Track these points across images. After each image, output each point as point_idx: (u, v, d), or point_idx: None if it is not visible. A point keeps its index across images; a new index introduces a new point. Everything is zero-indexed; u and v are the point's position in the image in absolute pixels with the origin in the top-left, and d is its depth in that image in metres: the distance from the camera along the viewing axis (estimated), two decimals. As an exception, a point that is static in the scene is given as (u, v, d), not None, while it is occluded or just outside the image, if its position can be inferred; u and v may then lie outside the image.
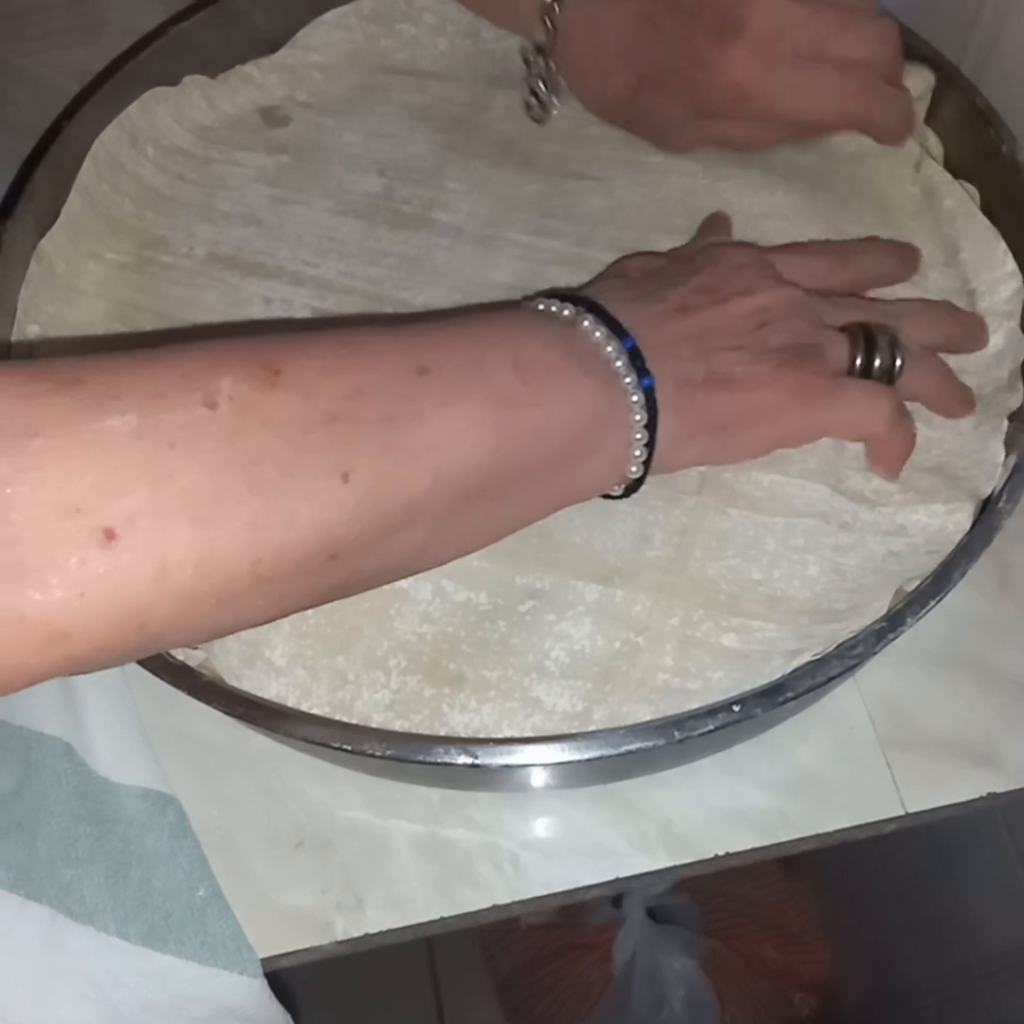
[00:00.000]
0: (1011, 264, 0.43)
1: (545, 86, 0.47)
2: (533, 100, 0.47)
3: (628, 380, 0.34)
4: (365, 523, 0.29)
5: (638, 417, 0.34)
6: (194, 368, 0.27)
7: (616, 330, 0.34)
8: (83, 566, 0.24)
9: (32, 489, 0.24)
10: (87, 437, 0.25)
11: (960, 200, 0.45)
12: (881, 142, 0.45)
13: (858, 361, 0.38)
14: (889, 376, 0.38)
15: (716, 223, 0.44)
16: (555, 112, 0.48)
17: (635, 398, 0.34)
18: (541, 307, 0.35)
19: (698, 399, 0.35)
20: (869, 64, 0.43)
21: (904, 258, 0.43)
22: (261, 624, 0.30)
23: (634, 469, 0.35)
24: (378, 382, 0.29)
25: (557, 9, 0.44)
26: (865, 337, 0.38)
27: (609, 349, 0.34)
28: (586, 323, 0.34)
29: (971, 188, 0.45)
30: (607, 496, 0.37)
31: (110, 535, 0.25)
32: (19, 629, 0.24)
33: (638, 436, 0.34)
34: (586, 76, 0.46)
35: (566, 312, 0.35)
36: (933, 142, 0.47)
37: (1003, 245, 0.43)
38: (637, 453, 0.35)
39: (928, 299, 0.42)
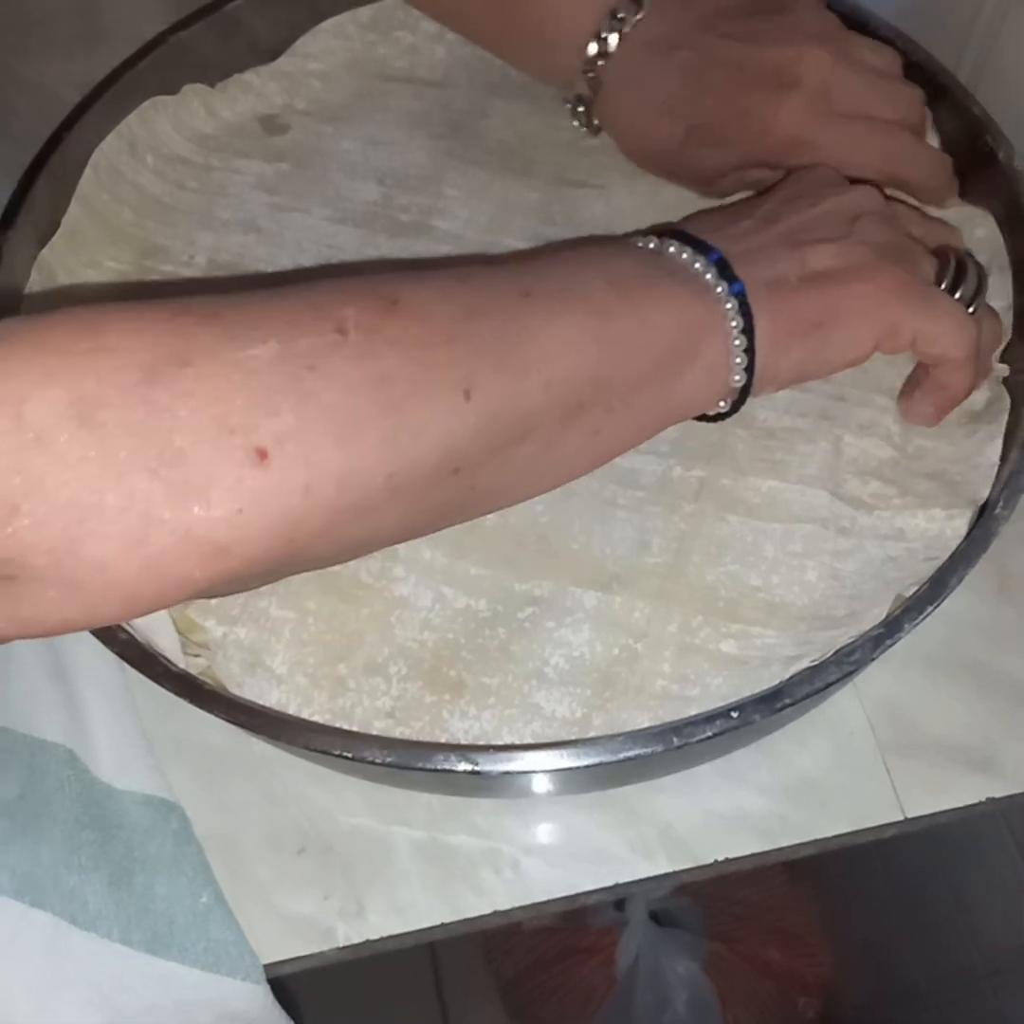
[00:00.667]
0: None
1: (589, 126, 0.47)
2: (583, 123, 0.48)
3: (719, 289, 0.35)
4: (486, 437, 0.30)
5: (734, 323, 0.35)
6: (321, 301, 0.29)
7: (702, 248, 0.36)
8: (240, 483, 0.26)
9: (191, 413, 0.25)
10: (234, 364, 0.26)
11: (990, 230, 0.45)
12: (924, 202, 0.45)
13: (944, 283, 0.38)
14: (974, 294, 0.38)
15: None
16: None
17: (729, 305, 0.35)
18: (627, 241, 0.37)
19: (793, 298, 0.36)
20: (901, 122, 0.44)
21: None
22: (394, 543, 0.33)
23: (736, 377, 0.36)
24: (488, 305, 0.31)
25: (601, 64, 0.44)
26: (957, 261, 0.38)
27: (697, 265, 0.35)
28: (672, 247, 0.36)
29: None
30: (713, 418, 0.38)
31: (262, 454, 0.26)
32: (186, 543, 0.26)
33: (736, 342, 0.35)
34: (630, 128, 0.46)
35: (652, 243, 0.36)
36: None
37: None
38: (737, 360, 0.35)
39: None
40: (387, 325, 0.29)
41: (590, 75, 0.44)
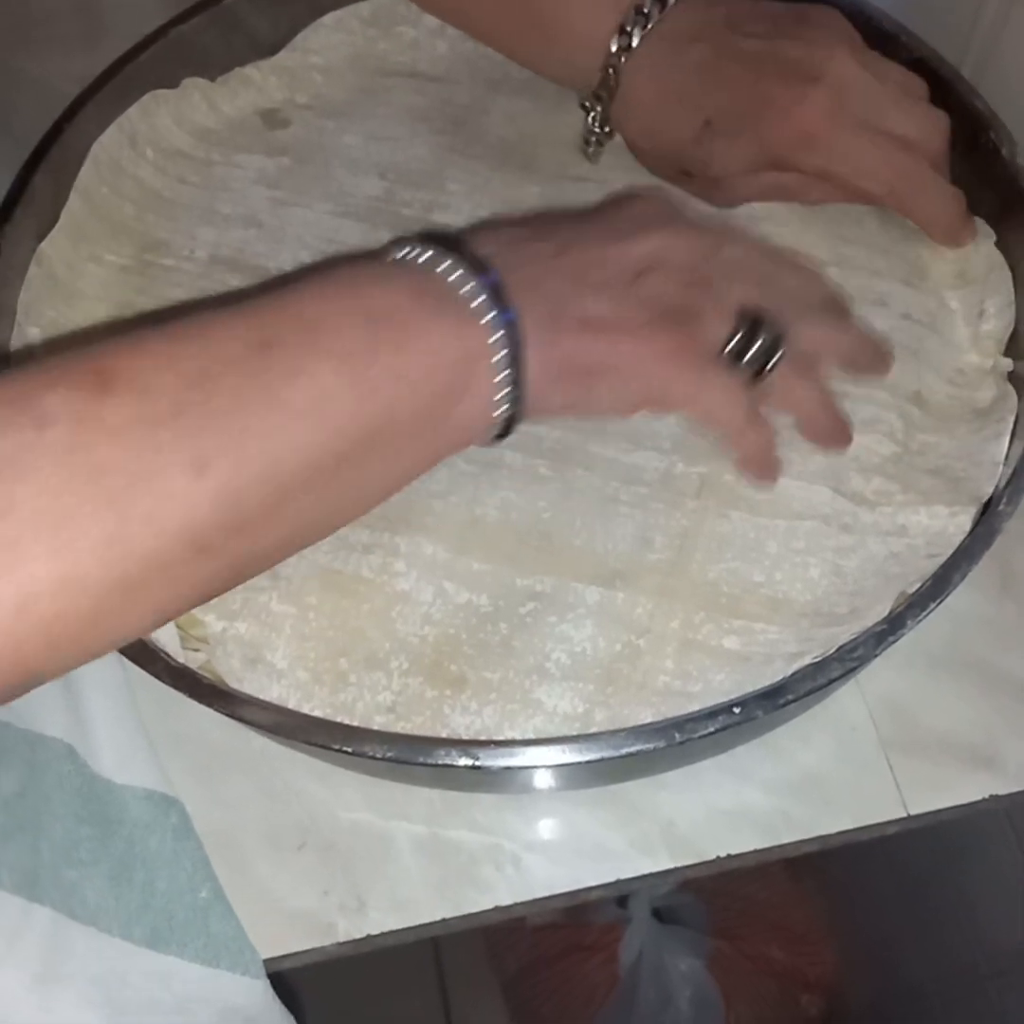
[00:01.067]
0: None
1: (602, 129, 0.46)
2: (591, 142, 0.47)
3: (489, 317, 0.32)
4: (230, 510, 0.28)
5: (500, 355, 0.32)
6: (20, 391, 0.26)
7: (479, 267, 0.33)
8: None
9: None
10: None
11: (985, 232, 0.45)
12: (932, 237, 0.44)
13: (733, 343, 0.35)
14: (758, 370, 0.36)
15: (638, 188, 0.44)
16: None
17: (496, 336, 0.32)
18: (399, 254, 0.34)
19: (565, 338, 0.33)
20: (920, 145, 0.43)
21: (863, 350, 0.40)
22: (150, 632, 0.30)
23: (504, 408, 0.33)
24: (220, 365, 0.28)
25: (622, 59, 0.43)
26: (751, 322, 0.35)
27: (469, 287, 0.32)
28: (446, 263, 0.33)
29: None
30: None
31: None
32: None
33: (502, 375, 0.33)
34: (646, 123, 0.45)
35: (427, 255, 0.33)
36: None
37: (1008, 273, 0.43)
38: (504, 392, 0.33)
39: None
40: (100, 407, 0.26)
41: (610, 70, 0.44)
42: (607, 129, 0.46)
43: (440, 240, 0.34)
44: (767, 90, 0.42)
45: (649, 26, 0.43)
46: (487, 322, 0.32)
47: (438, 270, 0.33)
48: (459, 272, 0.32)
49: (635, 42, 0.43)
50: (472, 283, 0.32)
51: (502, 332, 0.32)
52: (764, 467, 0.38)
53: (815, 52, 0.42)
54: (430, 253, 0.33)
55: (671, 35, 0.43)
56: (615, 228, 0.36)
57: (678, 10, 0.43)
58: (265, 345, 0.29)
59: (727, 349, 0.35)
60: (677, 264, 0.36)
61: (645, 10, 0.43)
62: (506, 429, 0.34)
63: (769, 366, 0.36)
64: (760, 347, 0.35)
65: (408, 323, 0.31)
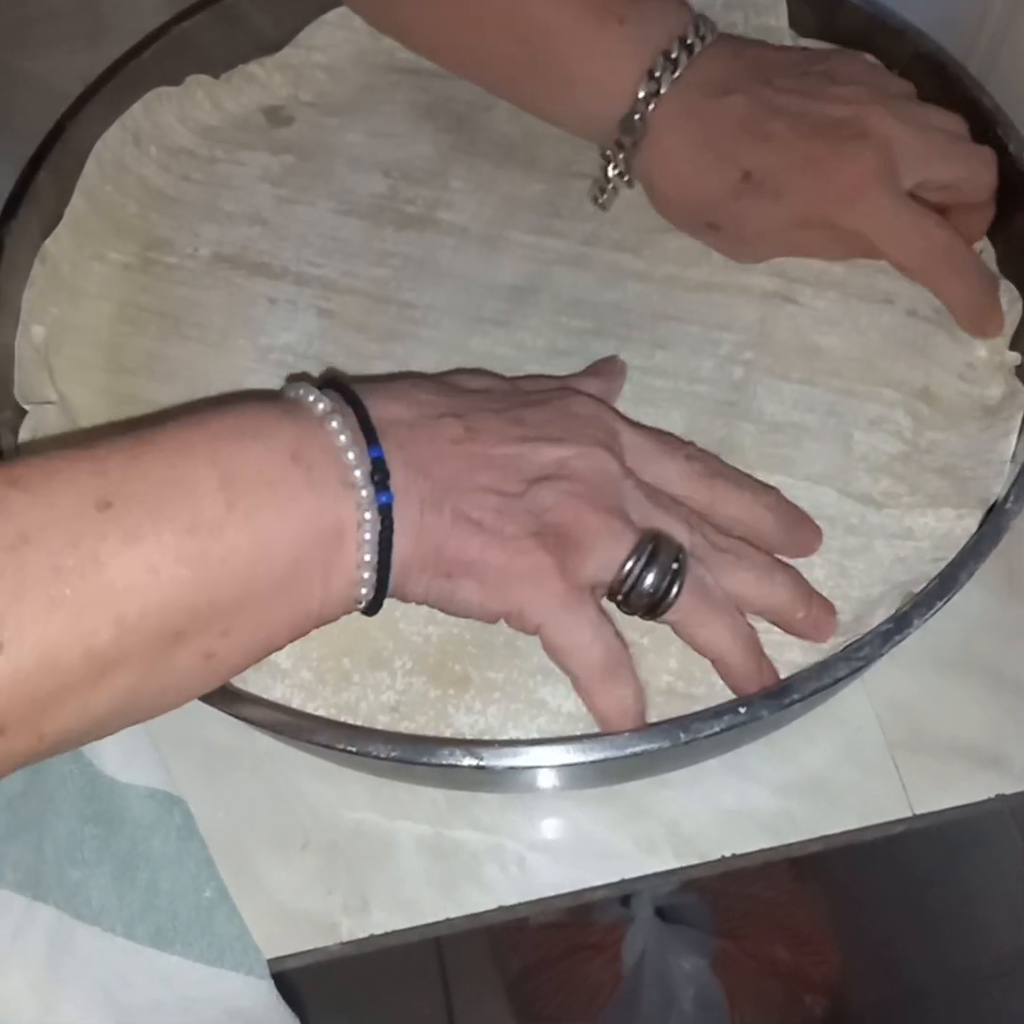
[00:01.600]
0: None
1: (622, 177, 0.44)
2: (607, 190, 0.45)
3: (365, 493, 0.30)
4: (34, 689, 0.26)
5: (368, 536, 0.30)
6: None
7: (370, 436, 0.31)
8: None
9: None
10: None
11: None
12: (957, 320, 0.42)
13: (626, 569, 0.33)
14: (649, 607, 0.33)
15: (604, 368, 0.41)
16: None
17: (368, 515, 0.30)
18: (292, 395, 0.32)
19: (439, 531, 0.32)
20: (970, 185, 0.42)
21: (790, 531, 0.38)
22: None
23: (364, 591, 0.31)
24: (47, 526, 0.26)
25: (651, 107, 0.42)
26: (652, 551, 0.33)
27: (351, 456, 0.30)
28: (334, 423, 0.30)
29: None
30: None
31: None
32: None
33: (367, 557, 0.31)
34: (676, 176, 0.43)
35: (321, 407, 0.31)
36: None
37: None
38: (366, 576, 0.31)
39: (778, 559, 0.37)
40: None
41: (636, 117, 0.42)
42: (627, 178, 0.45)
43: (345, 391, 0.32)
44: (811, 148, 0.41)
45: (677, 73, 0.42)
46: (363, 499, 0.30)
47: (327, 427, 0.30)
48: (344, 436, 0.30)
49: (664, 89, 0.42)
50: (355, 453, 0.30)
51: (376, 513, 0.30)
52: (612, 726, 0.34)
53: (856, 110, 0.41)
54: (324, 406, 0.31)
55: (701, 84, 0.42)
56: (530, 425, 0.34)
57: (706, 57, 0.42)
58: (105, 504, 0.27)
59: (619, 581, 0.33)
60: (582, 480, 0.33)
61: (673, 56, 0.42)
62: (372, 608, 0.32)
63: (664, 606, 0.33)
64: (650, 584, 0.32)
65: (276, 488, 0.29)
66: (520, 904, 0.38)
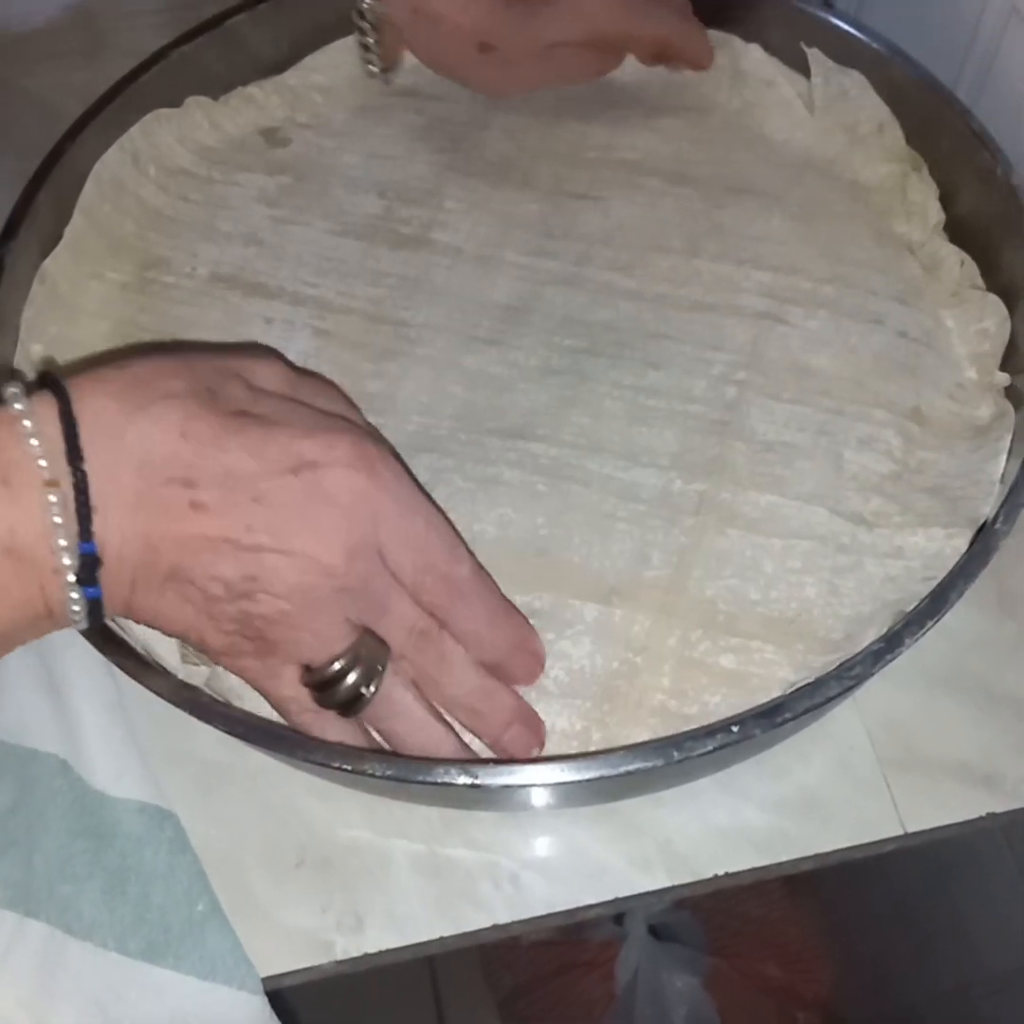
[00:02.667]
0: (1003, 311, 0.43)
1: (377, 32, 0.45)
2: (371, 54, 0.46)
3: (66, 549, 0.29)
4: None
5: (66, 561, 0.29)
6: None
7: (74, 454, 0.28)
8: None
9: None
10: None
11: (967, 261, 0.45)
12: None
13: (334, 669, 0.32)
14: (344, 707, 0.33)
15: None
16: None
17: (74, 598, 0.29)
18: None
19: (150, 599, 0.31)
20: None
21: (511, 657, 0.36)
22: None
23: (75, 610, 0.30)
24: None
25: None
26: (353, 659, 0.32)
27: (51, 499, 0.28)
28: (50, 497, 0.28)
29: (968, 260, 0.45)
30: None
31: None
32: None
33: (70, 578, 0.29)
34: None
35: (16, 406, 0.29)
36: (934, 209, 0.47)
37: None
38: (74, 596, 0.29)
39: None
40: None
41: None
42: (379, 37, 0.45)
43: (54, 384, 0.30)
44: None
45: None
46: (63, 548, 0.29)
47: (18, 426, 0.28)
48: (60, 518, 0.28)
49: None
50: (70, 537, 0.28)
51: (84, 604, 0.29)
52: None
53: None
54: (23, 404, 0.29)
55: None
56: (279, 518, 0.30)
57: None
58: None
59: (325, 675, 0.32)
60: (293, 595, 0.30)
61: None
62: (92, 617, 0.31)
63: (356, 709, 0.33)
64: (344, 689, 0.32)
65: None
66: (514, 922, 0.38)
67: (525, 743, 0.36)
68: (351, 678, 0.32)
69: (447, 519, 0.34)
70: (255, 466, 0.30)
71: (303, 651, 0.32)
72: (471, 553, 0.34)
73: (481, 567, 0.35)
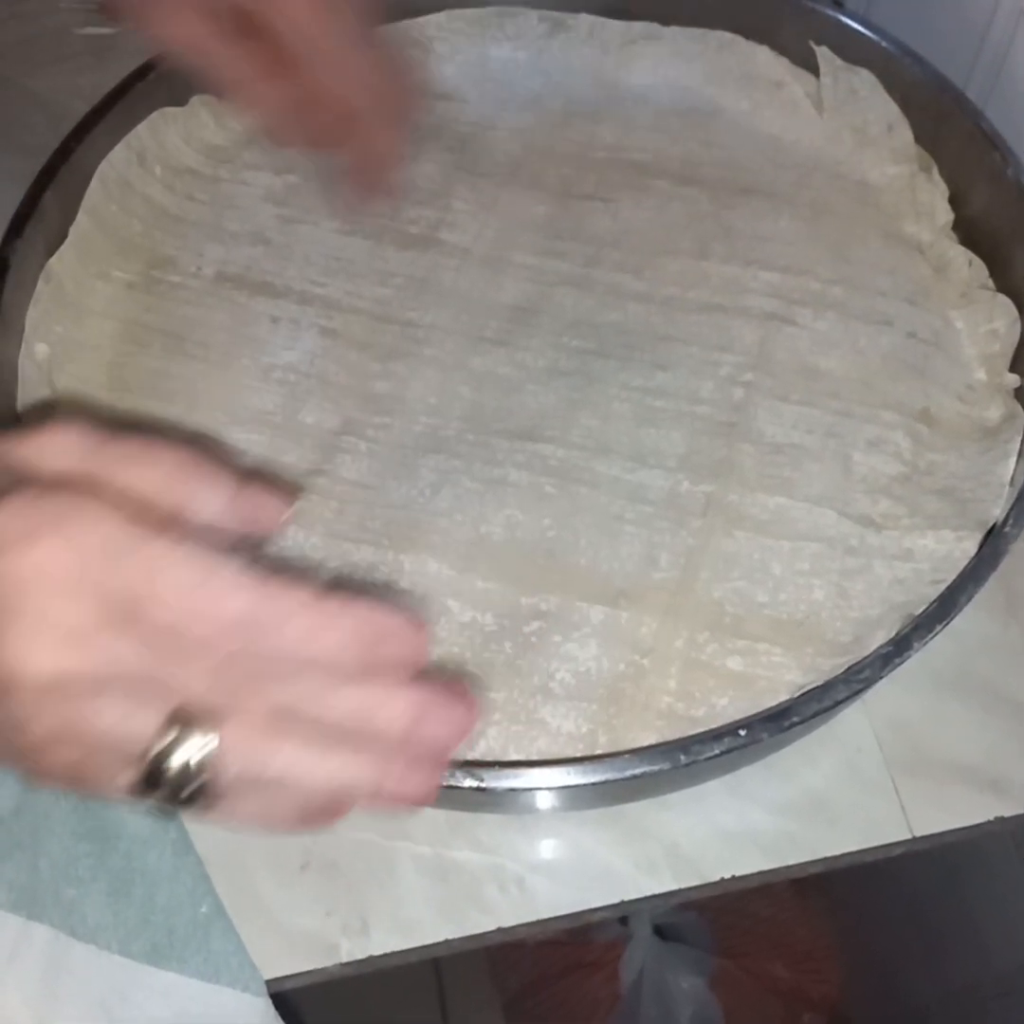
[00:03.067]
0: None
1: None
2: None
3: None
4: None
5: None
6: None
7: None
8: None
9: None
10: None
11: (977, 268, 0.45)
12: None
13: (161, 747, 0.24)
14: (179, 797, 0.25)
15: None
16: None
17: None
18: None
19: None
20: None
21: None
22: None
23: None
24: None
25: None
26: (181, 729, 0.24)
27: None
28: None
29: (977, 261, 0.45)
30: None
31: None
32: None
33: None
34: None
35: None
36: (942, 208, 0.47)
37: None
38: None
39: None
40: None
41: None
42: None
43: None
44: None
45: None
46: None
47: None
48: None
49: None
50: None
51: None
52: None
53: None
54: None
55: None
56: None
57: None
58: None
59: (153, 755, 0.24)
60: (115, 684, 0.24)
61: None
62: None
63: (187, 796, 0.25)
64: (173, 773, 0.24)
65: None
66: (519, 926, 0.38)
67: (454, 724, 0.26)
68: (174, 760, 0.24)
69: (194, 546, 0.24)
70: None
71: (149, 712, 0.24)
72: (253, 570, 0.24)
73: (273, 578, 0.24)
